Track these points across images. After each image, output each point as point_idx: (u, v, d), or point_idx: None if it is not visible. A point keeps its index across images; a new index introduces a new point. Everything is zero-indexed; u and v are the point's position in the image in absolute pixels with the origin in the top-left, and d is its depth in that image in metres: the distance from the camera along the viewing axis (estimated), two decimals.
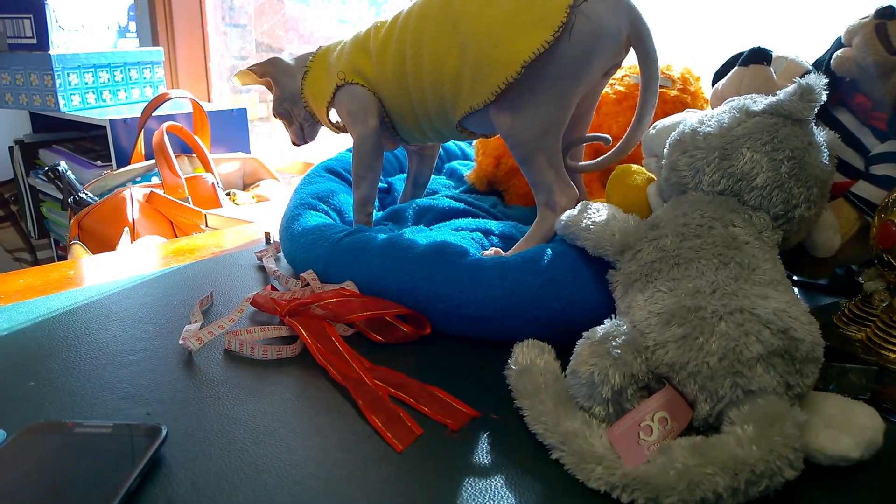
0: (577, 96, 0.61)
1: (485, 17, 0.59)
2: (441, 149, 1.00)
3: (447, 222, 0.72)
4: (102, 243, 1.27)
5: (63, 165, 1.47)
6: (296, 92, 0.75)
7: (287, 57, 0.77)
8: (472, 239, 0.66)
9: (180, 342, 0.57)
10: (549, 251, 0.57)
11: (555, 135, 0.61)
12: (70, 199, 1.39)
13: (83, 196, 1.39)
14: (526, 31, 0.57)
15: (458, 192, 0.87)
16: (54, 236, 2.09)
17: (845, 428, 0.42)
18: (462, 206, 0.79)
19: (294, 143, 0.81)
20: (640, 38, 0.60)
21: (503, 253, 0.62)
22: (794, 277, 0.71)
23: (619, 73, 0.81)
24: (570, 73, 0.59)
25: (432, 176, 0.92)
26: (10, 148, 2.07)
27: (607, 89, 0.78)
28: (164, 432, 0.43)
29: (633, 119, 0.64)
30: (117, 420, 0.47)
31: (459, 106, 0.62)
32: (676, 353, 0.43)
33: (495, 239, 0.68)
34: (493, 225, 0.70)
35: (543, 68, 0.58)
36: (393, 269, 0.60)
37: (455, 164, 0.96)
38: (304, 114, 0.77)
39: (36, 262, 2.16)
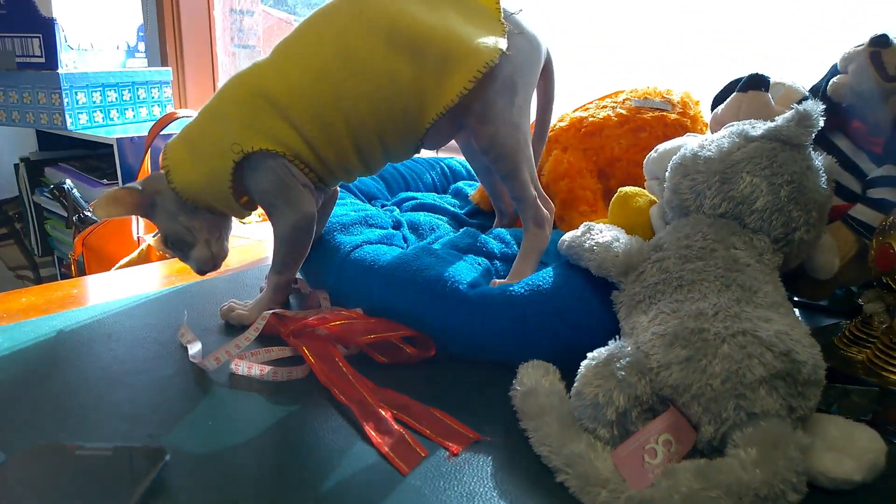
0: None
1: (429, 21, 0.58)
2: (446, 168, 1.01)
3: (450, 239, 0.73)
4: (107, 261, 1.28)
5: (69, 183, 1.48)
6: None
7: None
8: (479, 264, 0.66)
9: (195, 362, 0.57)
10: (555, 277, 0.58)
11: (529, 149, 0.65)
12: (75, 217, 1.40)
13: (88, 214, 1.40)
14: (485, 30, 0.59)
15: (463, 211, 0.88)
16: (58, 254, 2.10)
17: (847, 451, 0.42)
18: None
19: (205, 270, 0.66)
20: (549, 64, 0.69)
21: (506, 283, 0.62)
22: (795, 298, 0.71)
23: (619, 97, 0.82)
24: (527, 84, 0.64)
25: (436, 195, 0.93)
26: (16, 165, 2.08)
27: (609, 112, 0.79)
28: (166, 455, 0.43)
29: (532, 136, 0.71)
30: (118, 442, 0.46)
31: (430, 109, 0.59)
32: (680, 374, 0.43)
33: (499, 263, 0.68)
34: (494, 245, 0.70)
35: (511, 78, 0.62)
36: (402, 292, 0.61)
37: (460, 184, 0.97)
38: (204, 220, 0.63)
39: (39, 280, 2.16)
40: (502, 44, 0.58)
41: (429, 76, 0.58)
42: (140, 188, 0.62)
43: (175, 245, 0.65)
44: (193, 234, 0.64)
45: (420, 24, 0.58)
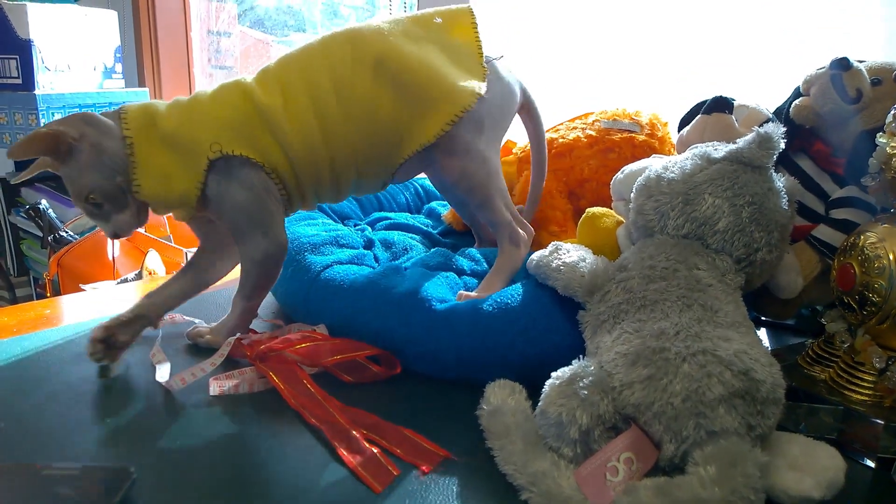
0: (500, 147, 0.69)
1: (415, 57, 0.60)
2: (420, 188, 1.02)
3: (421, 258, 0.73)
4: (81, 281, 1.27)
5: (44, 204, 1.47)
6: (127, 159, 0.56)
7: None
8: (447, 279, 0.67)
9: (161, 382, 0.57)
10: (523, 295, 0.58)
11: (501, 179, 0.67)
12: (50, 238, 1.39)
13: (63, 234, 1.39)
14: (467, 72, 0.62)
15: (436, 231, 0.88)
16: (34, 274, 2.07)
17: (807, 468, 0.43)
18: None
19: (121, 236, 0.60)
20: (531, 104, 0.71)
21: (474, 296, 0.63)
22: (763, 318, 0.72)
23: (589, 119, 0.83)
24: (496, 125, 0.66)
25: (410, 215, 0.93)
26: None
27: (579, 134, 0.80)
28: (133, 474, 0.43)
29: (531, 175, 0.75)
30: (86, 462, 0.46)
31: (407, 145, 0.61)
32: (642, 393, 0.44)
33: (468, 278, 0.69)
34: (464, 263, 0.71)
35: (479, 119, 0.64)
36: (370, 310, 0.61)
37: (433, 204, 0.97)
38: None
39: (14, 300, 2.14)
40: (481, 88, 0.61)
41: (408, 113, 0.61)
42: (56, 132, 0.54)
43: (100, 204, 0.56)
44: (128, 198, 0.57)
45: (406, 58, 0.60)
